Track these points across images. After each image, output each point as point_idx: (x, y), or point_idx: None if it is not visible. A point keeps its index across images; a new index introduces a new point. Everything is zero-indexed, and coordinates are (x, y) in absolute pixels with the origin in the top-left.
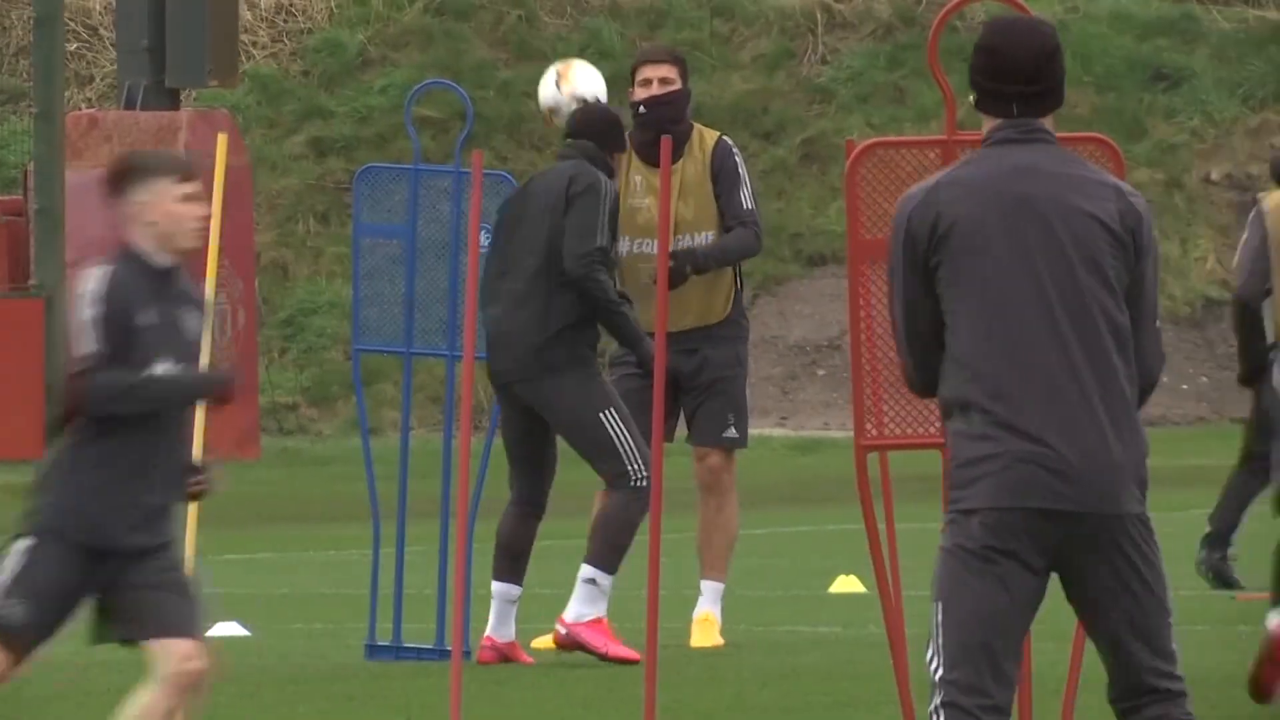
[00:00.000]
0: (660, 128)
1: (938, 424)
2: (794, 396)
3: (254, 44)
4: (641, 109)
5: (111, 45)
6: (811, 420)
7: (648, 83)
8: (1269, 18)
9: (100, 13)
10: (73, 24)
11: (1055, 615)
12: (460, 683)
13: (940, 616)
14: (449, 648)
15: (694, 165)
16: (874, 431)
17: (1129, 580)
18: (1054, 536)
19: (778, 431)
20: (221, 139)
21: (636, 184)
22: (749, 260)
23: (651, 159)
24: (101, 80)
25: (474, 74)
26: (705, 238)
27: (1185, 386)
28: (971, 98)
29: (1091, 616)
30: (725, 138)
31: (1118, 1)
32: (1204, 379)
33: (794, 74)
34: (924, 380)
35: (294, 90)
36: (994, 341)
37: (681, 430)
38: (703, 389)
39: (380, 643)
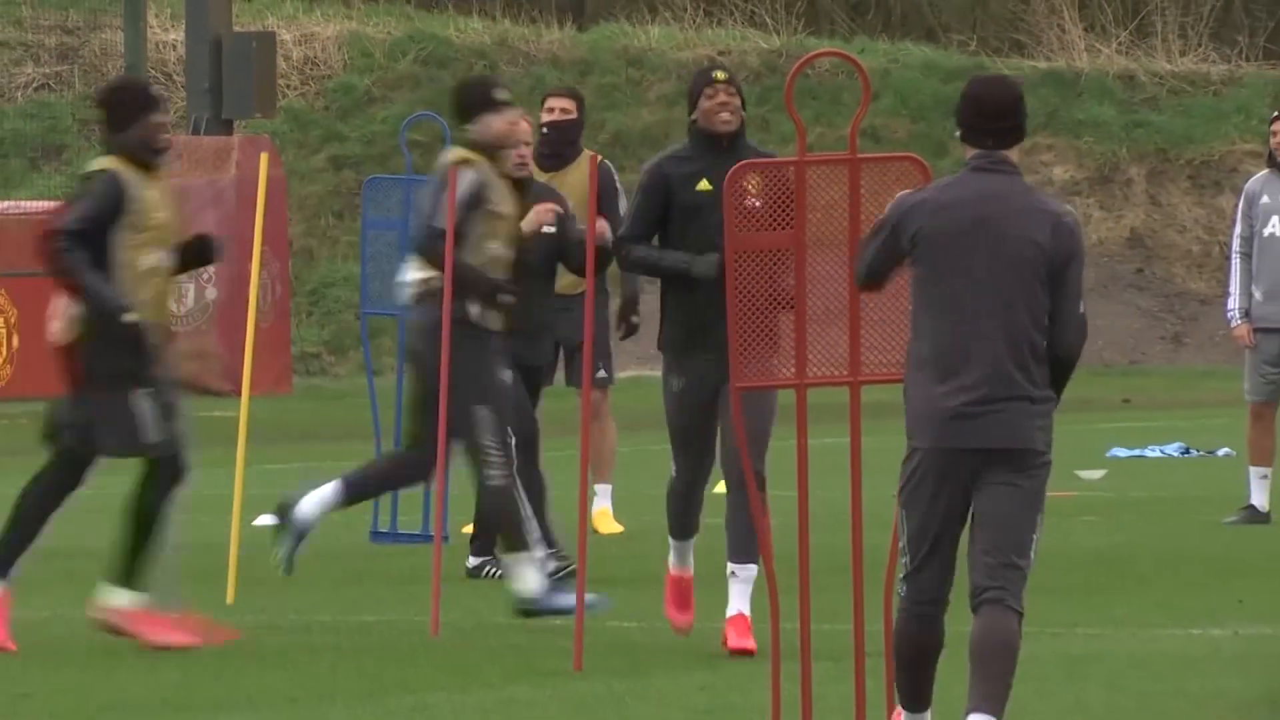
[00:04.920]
0: (557, 147)
1: (790, 370)
2: None
3: (288, 86)
4: (544, 129)
5: (182, 87)
6: None
7: (551, 110)
8: (1039, 67)
9: (174, 63)
10: (154, 71)
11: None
12: (440, 558)
13: None
14: (432, 533)
15: (579, 175)
16: (747, 376)
17: None
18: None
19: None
20: (264, 157)
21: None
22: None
23: (547, 167)
24: (174, 113)
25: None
26: None
27: None
28: (957, 133)
29: None
30: (606, 161)
31: (926, 54)
32: None
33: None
34: (863, 283)
35: (318, 120)
36: (941, 320)
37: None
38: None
39: (381, 530)
